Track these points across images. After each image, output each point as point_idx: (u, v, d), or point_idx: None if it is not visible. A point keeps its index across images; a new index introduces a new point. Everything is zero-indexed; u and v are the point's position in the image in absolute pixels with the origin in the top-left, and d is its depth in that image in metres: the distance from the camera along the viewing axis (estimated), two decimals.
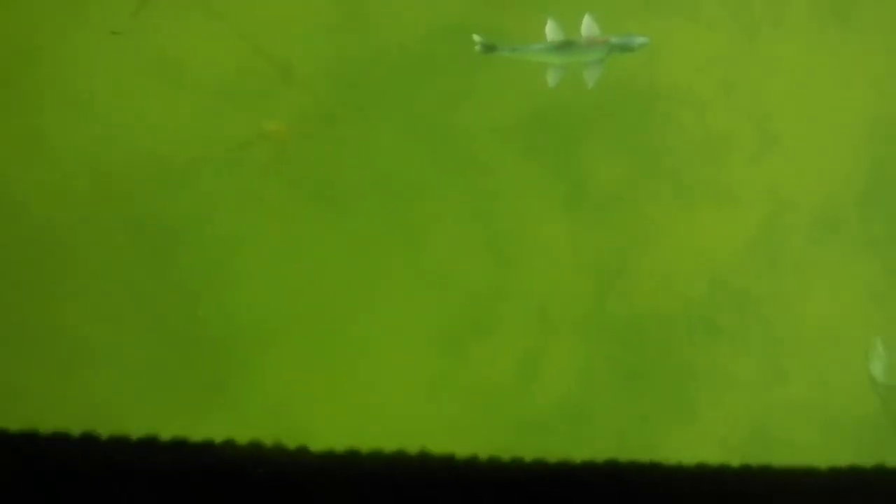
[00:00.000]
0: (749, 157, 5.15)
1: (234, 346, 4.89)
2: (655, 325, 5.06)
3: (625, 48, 4.71)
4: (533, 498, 1.90)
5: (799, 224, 5.15)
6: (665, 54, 5.10)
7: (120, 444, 1.92)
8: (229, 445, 1.98)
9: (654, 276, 5.07)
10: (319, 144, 4.97)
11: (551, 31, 4.72)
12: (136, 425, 2.04)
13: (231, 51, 4.88)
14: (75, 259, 4.79)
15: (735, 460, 2.02)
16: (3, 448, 1.89)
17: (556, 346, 5.01)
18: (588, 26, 4.71)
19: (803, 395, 5.10)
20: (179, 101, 4.89)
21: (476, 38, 4.66)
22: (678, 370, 5.05)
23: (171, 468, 1.91)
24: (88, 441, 1.90)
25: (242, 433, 2.05)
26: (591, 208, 5.07)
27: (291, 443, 2.03)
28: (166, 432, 2.02)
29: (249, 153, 4.92)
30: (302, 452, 1.98)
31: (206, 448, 1.96)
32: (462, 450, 2.00)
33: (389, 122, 5.00)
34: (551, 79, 4.72)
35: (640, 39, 4.73)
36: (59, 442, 1.88)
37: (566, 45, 4.71)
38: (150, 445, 1.94)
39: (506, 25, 5.01)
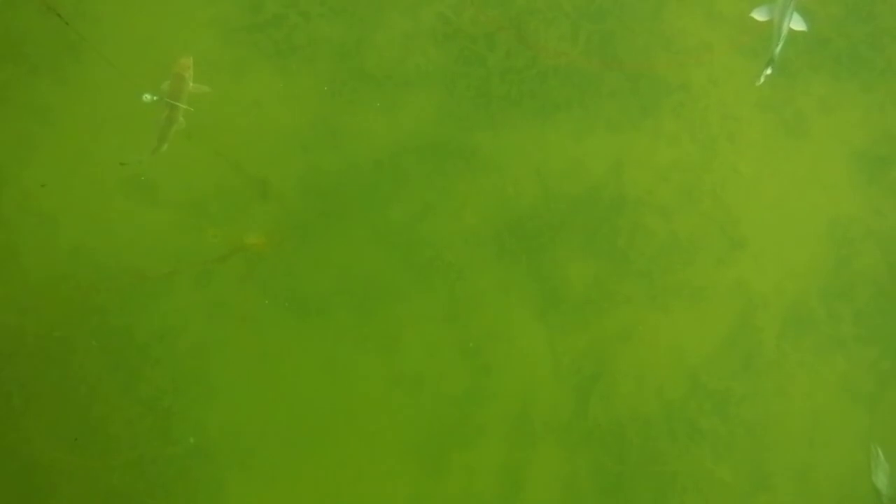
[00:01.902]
0: (717, 259, 5.01)
1: (207, 466, 4.52)
2: (637, 430, 4.75)
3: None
4: None
5: (771, 323, 4.96)
6: (630, 166, 5.04)
7: None
8: None
9: (632, 379, 4.81)
10: (295, 255, 4.77)
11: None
12: None
13: (210, 169, 4.77)
14: (43, 380, 4.48)
15: None
16: None
17: (538, 455, 4.67)
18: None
19: (789, 502, 4.78)
20: (157, 217, 4.72)
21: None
22: (662, 477, 4.71)
23: None
24: None
25: None
26: (567, 311, 4.86)
27: None
28: None
29: (226, 265, 4.73)
30: None
31: None
32: None
33: (363, 232, 4.83)
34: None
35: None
36: None
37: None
38: None
39: (477, 144, 4.97)
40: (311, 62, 4.98)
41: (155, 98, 4.59)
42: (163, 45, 4.85)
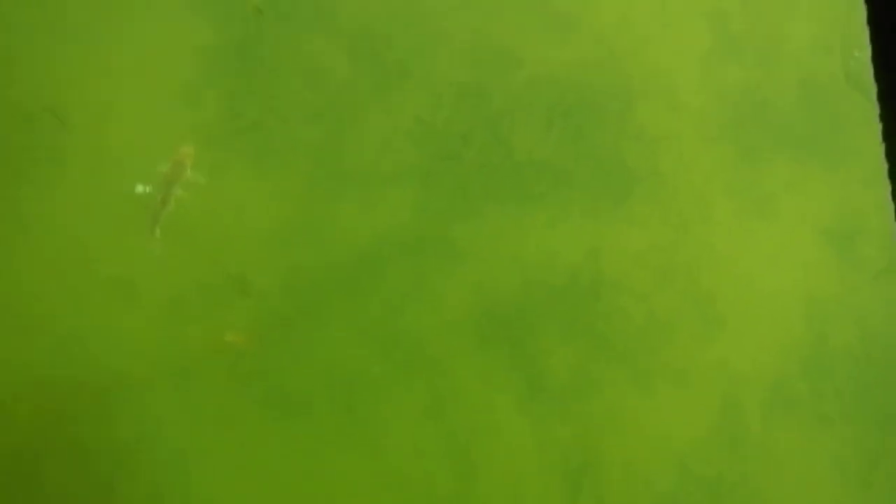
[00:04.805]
0: (696, 339, 4.71)
1: None
2: None
3: None
4: None
5: (755, 403, 4.62)
6: (606, 251, 4.79)
7: None
8: None
9: (620, 469, 4.43)
10: (276, 353, 4.42)
11: None
12: None
13: (189, 267, 4.49)
14: (13, 498, 4.07)
15: None
16: None
17: None
18: None
19: None
20: (135, 317, 4.40)
21: None
22: None
23: None
24: None
25: None
26: (551, 400, 4.50)
27: None
28: None
29: (205, 366, 4.37)
30: None
31: None
32: None
33: (344, 327, 4.50)
34: None
35: None
36: None
37: None
38: None
39: (454, 236, 4.73)
40: (290, 163, 4.76)
41: (148, 189, 4.36)
42: (143, 151, 4.63)
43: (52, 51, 4.64)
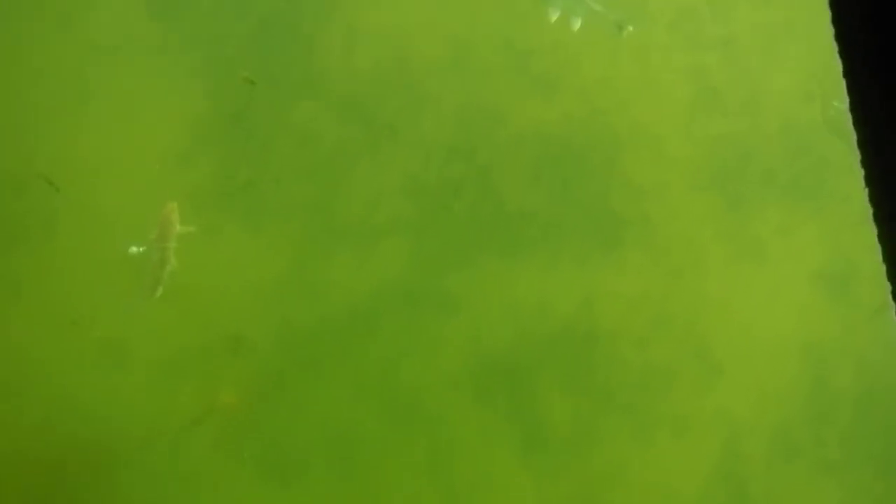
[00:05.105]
0: (696, 387, 4.61)
1: None
2: None
3: None
4: None
5: (757, 451, 4.51)
6: (600, 299, 4.74)
7: None
8: None
9: None
10: (271, 413, 4.30)
11: None
12: None
13: (182, 327, 4.43)
14: None
15: None
16: None
17: None
18: None
19: None
20: (128, 381, 4.31)
21: None
22: None
23: None
24: None
25: None
26: (551, 453, 4.38)
27: None
28: None
29: (200, 429, 4.27)
30: None
31: None
32: None
33: (339, 384, 4.40)
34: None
35: None
36: None
37: None
38: None
39: (448, 288, 4.71)
40: (283, 220, 4.75)
41: (142, 249, 4.34)
42: (136, 214, 4.63)
43: (46, 120, 4.69)
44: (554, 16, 4.85)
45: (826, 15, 1.71)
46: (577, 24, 4.89)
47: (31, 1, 4.80)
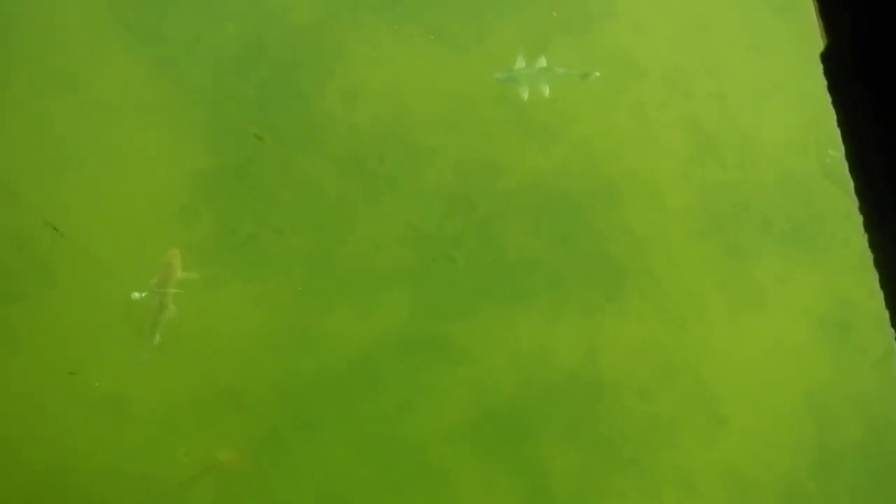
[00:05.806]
0: (702, 439, 4.52)
1: None
2: None
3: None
4: None
5: None
6: (603, 349, 4.69)
7: None
8: None
9: None
10: (269, 469, 4.21)
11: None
12: None
13: (181, 381, 4.36)
14: None
15: None
16: None
17: None
18: None
19: None
20: (125, 437, 4.22)
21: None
22: None
23: None
24: None
25: None
26: None
27: None
28: None
29: (197, 487, 4.17)
30: None
31: None
32: None
33: (339, 437, 4.31)
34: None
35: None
36: None
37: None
38: None
39: (450, 337, 4.65)
40: (284, 271, 4.73)
41: (143, 294, 4.33)
42: (139, 260, 4.61)
43: (56, 172, 4.71)
44: (525, 94, 5.02)
45: (817, 67, 1.72)
46: (546, 92, 5.03)
47: (41, 62, 4.88)
